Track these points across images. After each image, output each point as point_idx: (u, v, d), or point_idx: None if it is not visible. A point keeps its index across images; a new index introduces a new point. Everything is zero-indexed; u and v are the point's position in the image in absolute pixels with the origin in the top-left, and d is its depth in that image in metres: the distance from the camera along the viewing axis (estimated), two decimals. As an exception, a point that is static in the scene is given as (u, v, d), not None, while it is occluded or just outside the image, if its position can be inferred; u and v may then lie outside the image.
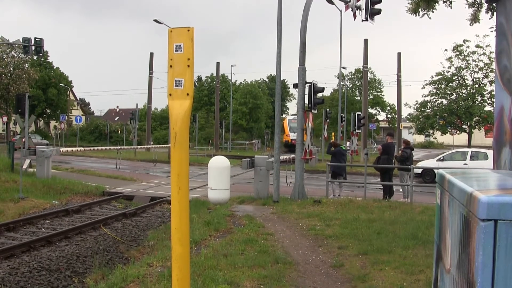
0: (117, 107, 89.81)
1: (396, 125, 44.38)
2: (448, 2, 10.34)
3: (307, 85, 14.30)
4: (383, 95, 65.66)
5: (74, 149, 32.10)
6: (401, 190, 16.24)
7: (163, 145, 38.67)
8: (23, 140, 18.36)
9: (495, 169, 4.45)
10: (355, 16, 14.72)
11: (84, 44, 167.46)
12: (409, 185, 14.34)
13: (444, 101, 39.02)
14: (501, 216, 1.66)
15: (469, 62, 37.60)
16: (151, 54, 43.85)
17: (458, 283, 2.04)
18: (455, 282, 2.11)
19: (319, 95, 15.21)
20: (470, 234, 1.83)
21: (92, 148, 34.37)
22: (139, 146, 38.71)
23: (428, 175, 21.24)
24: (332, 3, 25.55)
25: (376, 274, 6.58)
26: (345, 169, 16.37)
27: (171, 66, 3.26)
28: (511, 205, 1.66)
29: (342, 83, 47.51)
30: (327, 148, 17.44)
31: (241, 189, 17.09)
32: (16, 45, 23.42)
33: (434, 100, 39.46)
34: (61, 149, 25.64)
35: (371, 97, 60.96)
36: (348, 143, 30.84)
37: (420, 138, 60.07)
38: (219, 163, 13.51)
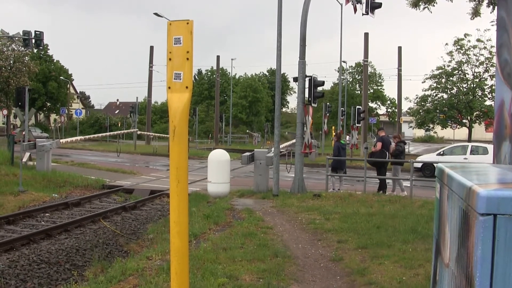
0: (117, 100, 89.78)
1: (396, 119, 44.36)
2: (449, -4, 10.31)
3: (307, 79, 14.27)
4: (384, 89, 65.70)
5: (74, 138, 32.13)
6: (397, 184, 16.21)
7: (163, 135, 39.10)
8: (23, 133, 18.35)
9: (495, 163, 4.44)
10: (355, 10, 14.69)
11: (85, 37, 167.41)
12: (401, 179, 15.05)
13: (445, 95, 38.95)
14: (500, 211, 1.65)
15: (470, 56, 37.51)
16: (151, 48, 43.81)
17: (457, 277, 2.03)
18: (454, 276, 2.11)
19: (319, 88, 15.17)
20: (469, 228, 1.82)
21: (92, 136, 34.90)
22: (140, 132, 39.20)
23: (428, 169, 21.24)
24: (332, -4, 25.37)
25: (375, 268, 6.59)
26: (345, 163, 16.37)
27: (170, 59, 3.24)
28: (511, 199, 1.64)
29: (342, 77, 47.42)
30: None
31: (240, 183, 17.09)
32: (16, 38, 23.35)
33: (434, 94, 39.40)
34: (61, 140, 25.70)
35: (371, 91, 60.91)
36: (348, 137, 30.79)
37: (420, 132, 60.01)
38: (219, 157, 13.51)
